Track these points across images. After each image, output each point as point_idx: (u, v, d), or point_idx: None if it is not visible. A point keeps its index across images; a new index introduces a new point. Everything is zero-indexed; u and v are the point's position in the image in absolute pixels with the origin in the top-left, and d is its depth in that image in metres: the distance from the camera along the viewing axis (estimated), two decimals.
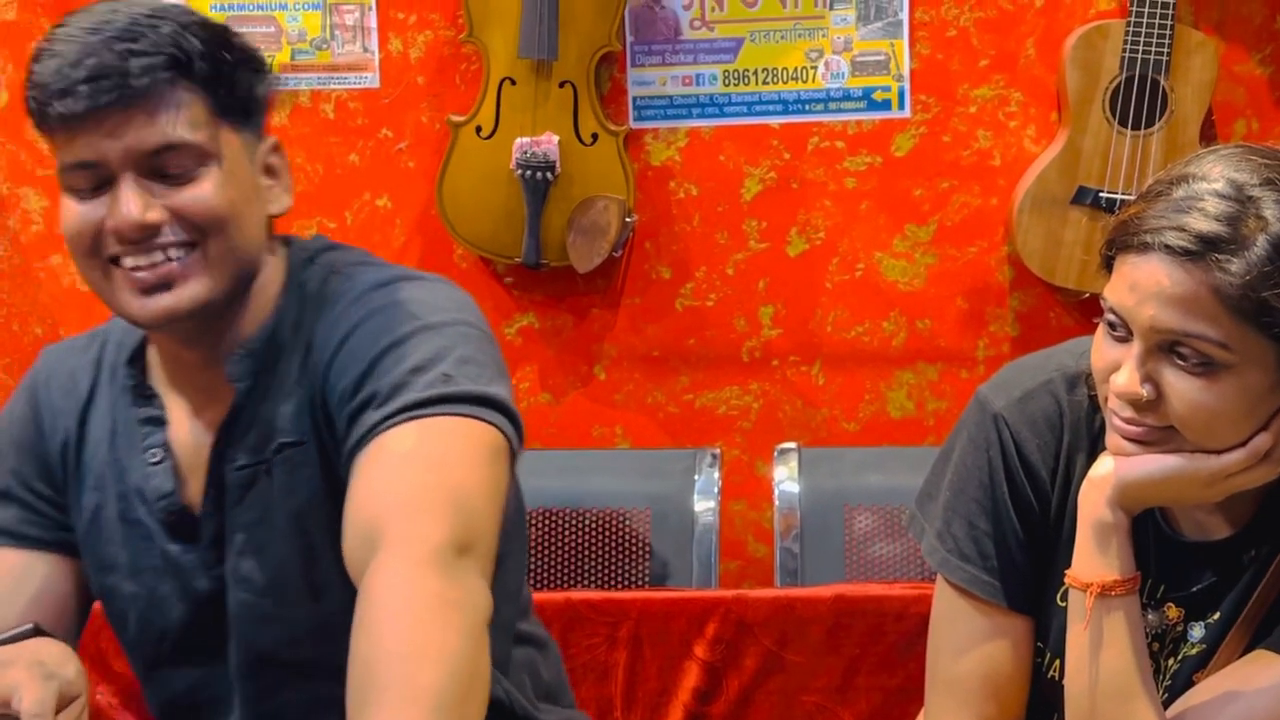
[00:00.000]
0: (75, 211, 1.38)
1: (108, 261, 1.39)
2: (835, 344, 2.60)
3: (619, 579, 2.10)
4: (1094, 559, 1.39)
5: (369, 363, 1.38)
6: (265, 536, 1.46)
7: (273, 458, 1.45)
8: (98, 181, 1.37)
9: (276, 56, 2.59)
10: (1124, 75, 2.38)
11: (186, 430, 1.49)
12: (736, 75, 2.55)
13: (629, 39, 2.54)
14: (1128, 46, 2.37)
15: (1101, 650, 1.39)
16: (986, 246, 2.56)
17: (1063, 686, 1.42)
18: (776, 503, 2.19)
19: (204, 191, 1.38)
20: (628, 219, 2.51)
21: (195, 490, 1.49)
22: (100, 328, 1.58)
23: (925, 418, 2.60)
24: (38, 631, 1.40)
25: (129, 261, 1.38)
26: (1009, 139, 2.53)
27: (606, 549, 2.15)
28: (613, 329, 2.62)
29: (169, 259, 1.38)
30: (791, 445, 2.25)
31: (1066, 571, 1.41)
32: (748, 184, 2.57)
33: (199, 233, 1.38)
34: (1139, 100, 2.38)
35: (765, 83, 2.55)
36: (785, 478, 2.20)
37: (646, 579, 2.11)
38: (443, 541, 1.25)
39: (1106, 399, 1.37)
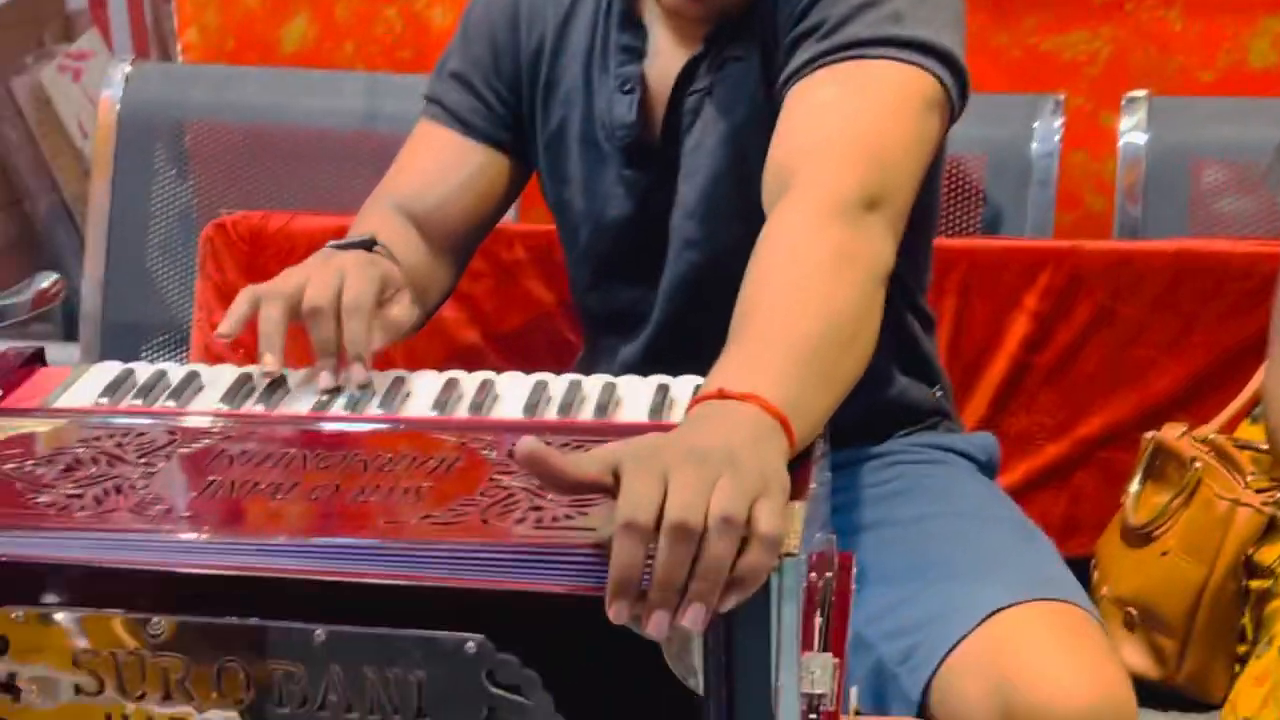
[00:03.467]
0: None
1: None
2: None
3: (950, 227, 2.07)
4: None
5: None
6: (705, 158, 1.49)
7: (718, 75, 1.46)
8: None
9: None
10: None
11: (660, 63, 1.52)
12: None
13: None
14: None
15: None
16: None
17: None
18: (1120, 154, 2.11)
19: None
20: None
21: (656, 120, 1.51)
22: None
23: None
24: (377, 244, 1.46)
25: None
26: None
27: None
28: None
29: None
30: (1141, 94, 2.15)
31: None
32: None
33: None
34: None
35: None
36: (1131, 128, 2.11)
37: (978, 227, 2.08)
38: (851, 192, 1.23)
39: None
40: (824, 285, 1.17)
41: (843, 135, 1.28)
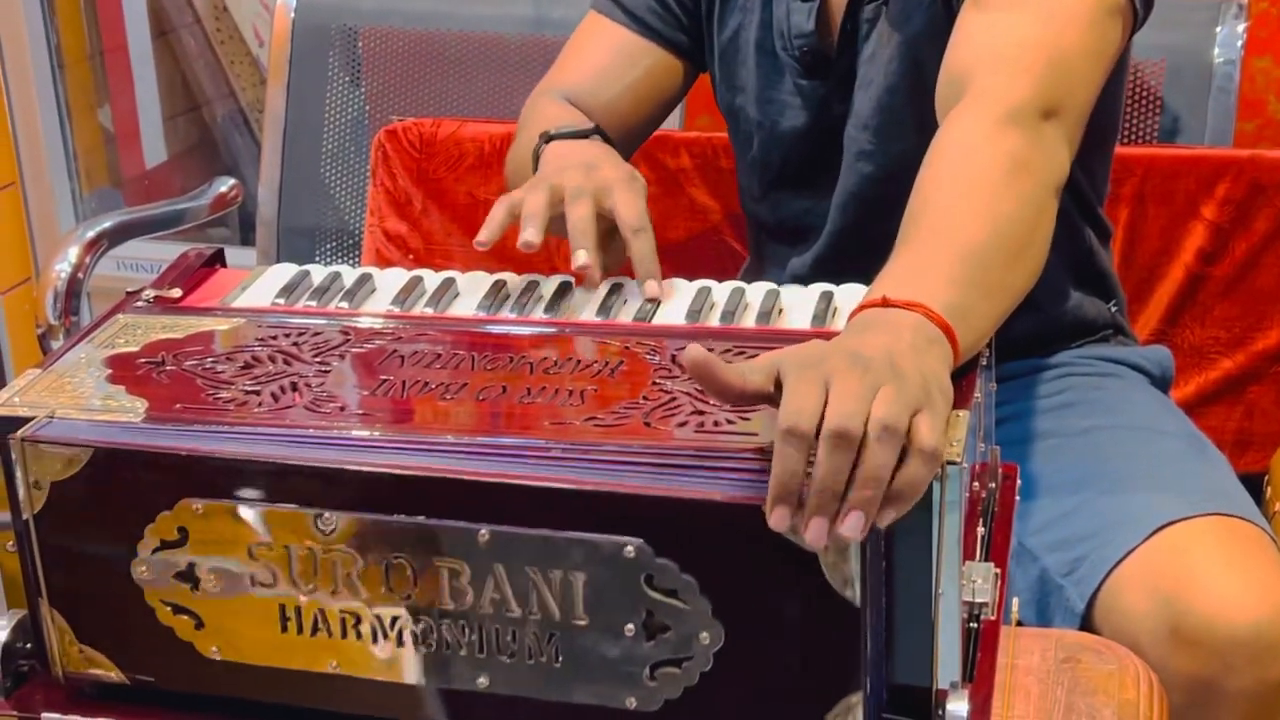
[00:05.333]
0: None
1: None
2: None
3: (1126, 134, 2.02)
4: None
5: None
6: (880, 69, 1.47)
7: None
8: None
9: None
10: None
11: None
12: None
13: None
14: None
15: None
16: None
17: None
18: None
19: None
20: None
21: (833, 30, 1.50)
22: None
23: None
24: (596, 133, 1.46)
25: None
26: None
27: None
28: None
29: None
30: None
31: None
32: None
33: None
34: None
35: None
36: None
37: (1155, 135, 2.03)
38: (1028, 100, 1.21)
39: None
40: (995, 193, 1.15)
41: (1019, 42, 1.26)
